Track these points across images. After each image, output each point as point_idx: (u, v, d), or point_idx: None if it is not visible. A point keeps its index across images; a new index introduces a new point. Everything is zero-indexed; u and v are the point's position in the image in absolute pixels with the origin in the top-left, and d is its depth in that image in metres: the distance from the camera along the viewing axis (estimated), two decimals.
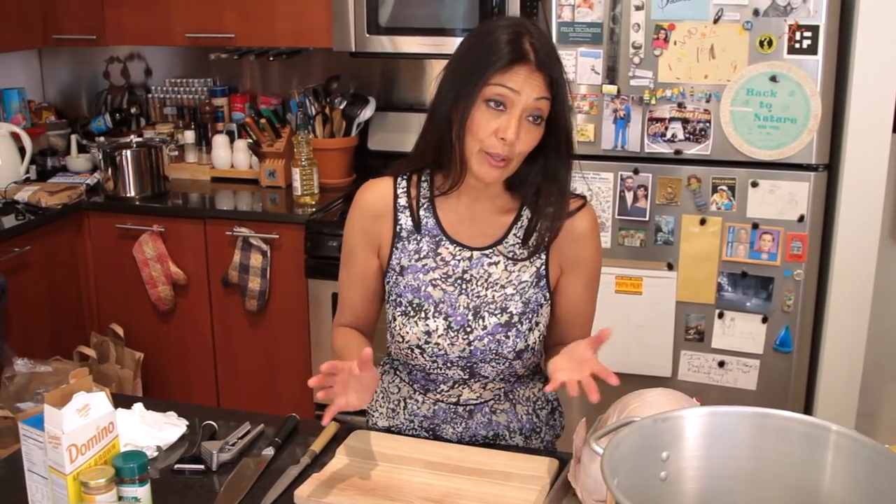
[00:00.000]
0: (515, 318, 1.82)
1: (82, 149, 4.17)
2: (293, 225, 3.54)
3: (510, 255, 1.84)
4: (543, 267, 1.85)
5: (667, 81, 2.88)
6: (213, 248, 3.68)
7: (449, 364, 1.85)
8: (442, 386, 1.90)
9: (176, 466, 1.80)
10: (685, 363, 3.06)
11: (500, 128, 1.67)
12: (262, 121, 3.89)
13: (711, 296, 2.99)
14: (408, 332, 1.84)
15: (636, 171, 2.97)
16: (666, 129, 2.91)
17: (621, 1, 2.87)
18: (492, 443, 1.93)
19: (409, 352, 1.87)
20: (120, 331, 3.74)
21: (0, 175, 3.86)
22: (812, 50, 2.75)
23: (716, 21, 2.80)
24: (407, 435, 1.93)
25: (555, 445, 2.04)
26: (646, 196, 2.97)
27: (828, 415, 3.01)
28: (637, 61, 2.88)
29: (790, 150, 2.83)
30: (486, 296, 1.83)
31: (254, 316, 3.68)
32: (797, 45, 2.76)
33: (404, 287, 1.84)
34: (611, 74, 2.92)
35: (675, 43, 2.84)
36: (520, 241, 1.84)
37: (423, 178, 1.87)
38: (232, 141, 4.05)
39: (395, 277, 1.86)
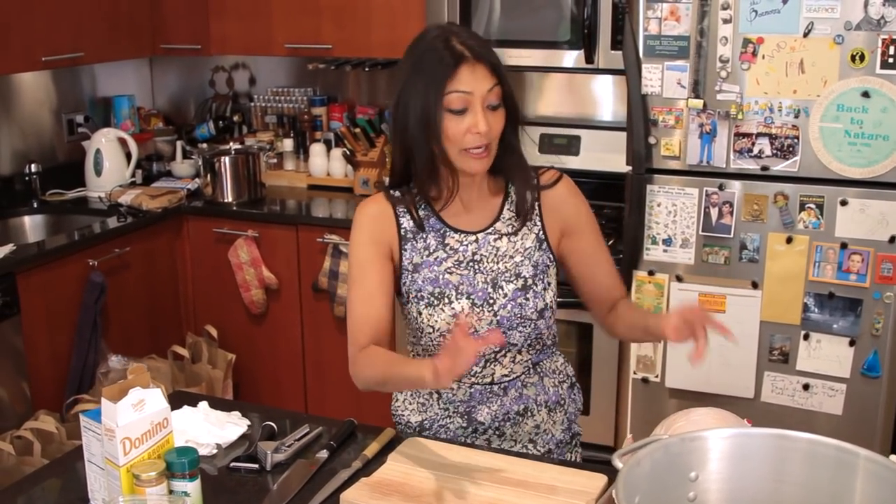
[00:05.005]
0: (530, 281, 1.97)
1: (187, 155, 4.31)
2: None
3: (509, 229, 1.99)
4: (541, 231, 2.01)
5: (754, 96, 2.82)
6: (304, 253, 3.76)
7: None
8: (475, 368, 1.99)
9: (232, 464, 1.86)
10: (768, 384, 2.98)
11: (470, 125, 1.84)
12: (357, 130, 3.95)
13: (797, 316, 2.91)
14: (436, 321, 1.95)
15: (721, 187, 2.91)
16: (753, 144, 2.85)
17: (709, 14, 2.82)
18: (521, 416, 2.02)
19: (441, 340, 1.97)
20: (214, 332, 3.84)
21: (107, 178, 4.03)
22: None
23: (806, 35, 2.73)
24: (441, 423, 2.02)
25: (577, 421, 2.15)
26: (731, 212, 2.92)
27: None
28: (724, 75, 2.83)
29: (882, 168, 2.74)
30: (498, 268, 1.97)
31: (342, 322, 3.73)
32: (891, 60, 2.67)
33: (422, 282, 1.96)
34: (697, 88, 2.87)
35: (763, 57, 2.78)
36: (514, 213, 2.00)
37: (412, 186, 1.99)
38: (329, 150, 4.13)
39: (409, 276, 1.97)
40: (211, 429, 1.96)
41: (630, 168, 3.01)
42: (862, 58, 2.69)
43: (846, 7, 2.68)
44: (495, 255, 1.97)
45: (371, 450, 1.88)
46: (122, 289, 3.66)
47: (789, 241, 2.88)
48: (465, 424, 2.01)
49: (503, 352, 1.98)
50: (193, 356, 3.77)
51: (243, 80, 4.54)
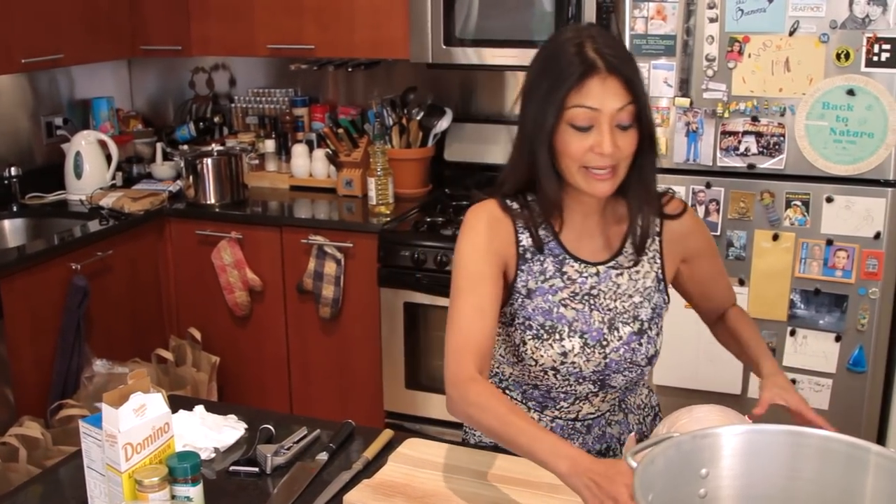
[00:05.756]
0: (646, 325, 1.83)
1: (167, 157, 4.28)
2: (367, 234, 3.58)
3: (630, 263, 1.83)
4: (660, 270, 1.85)
5: (740, 94, 2.85)
6: (288, 255, 3.74)
7: (581, 380, 1.83)
8: (562, 403, 1.87)
9: (231, 468, 1.84)
10: (755, 380, 2.98)
11: (594, 144, 1.64)
12: (340, 131, 3.95)
13: (783, 313, 2.94)
14: (542, 356, 1.80)
15: (708, 185, 2.93)
16: (739, 142, 2.87)
17: (695, 13, 2.84)
18: (601, 456, 1.89)
19: (541, 374, 1.83)
20: (198, 335, 3.82)
21: (87, 181, 3.99)
22: (891, 63, 2.69)
23: (791, 33, 2.75)
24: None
25: None
26: (718, 210, 2.94)
27: None
28: (710, 74, 2.85)
29: (866, 165, 2.77)
30: (616, 307, 1.81)
31: (327, 323, 3.73)
32: (875, 58, 2.70)
33: (533, 310, 1.80)
34: (683, 87, 2.89)
35: (749, 55, 2.81)
36: (635, 247, 1.83)
37: (530, 198, 1.80)
38: (311, 150, 4.11)
39: (520, 300, 1.80)
40: (208, 433, 1.95)
41: None
42: (847, 56, 2.72)
43: (831, 6, 2.71)
44: (615, 292, 1.81)
45: (371, 451, 1.87)
46: (105, 292, 3.63)
47: (776, 238, 2.90)
48: None
49: (602, 391, 1.86)
50: (177, 359, 3.75)
51: (223, 81, 4.51)
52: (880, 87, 2.70)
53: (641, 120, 1.68)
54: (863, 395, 2.92)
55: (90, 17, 3.87)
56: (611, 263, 1.82)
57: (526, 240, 1.79)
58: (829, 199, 2.83)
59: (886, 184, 2.78)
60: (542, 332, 1.79)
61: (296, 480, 1.79)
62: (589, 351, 1.79)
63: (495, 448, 1.91)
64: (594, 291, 1.80)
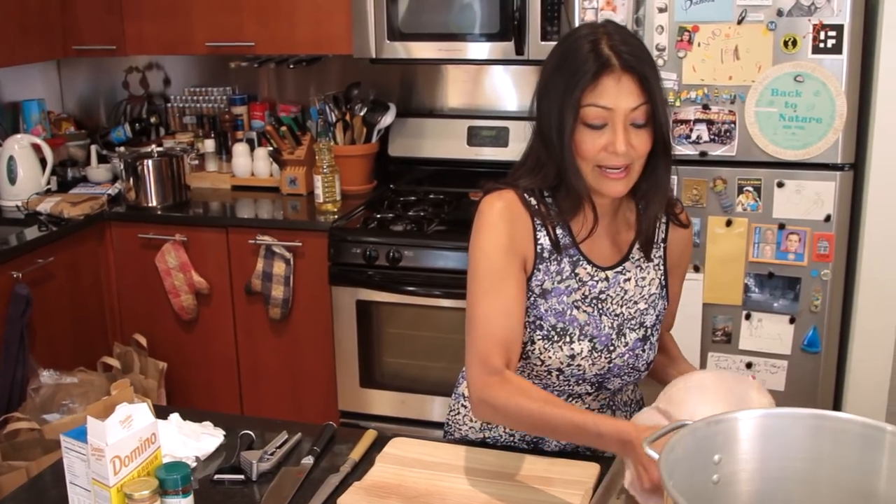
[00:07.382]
0: (649, 332, 1.83)
1: (102, 159, 4.18)
2: (316, 232, 3.54)
3: (637, 269, 1.82)
4: (663, 277, 1.86)
5: (691, 83, 2.88)
6: (235, 256, 3.68)
7: (580, 381, 1.83)
8: None
9: (216, 477, 1.80)
10: (712, 365, 3.05)
11: (608, 143, 1.62)
12: (283, 128, 3.89)
13: (738, 297, 2.98)
14: (550, 357, 1.78)
15: None
16: (691, 130, 2.91)
17: (644, 3, 2.86)
18: (591, 454, 1.85)
19: (544, 373, 1.82)
20: (143, 341, 3.74)
21: (22, 187, 3.87)
22: (837, 49, 2.75)
23: (739, 22, 2.79)
24: (502, 446, 1.88)
25: None
26: None
27: (856, 414, 3.00)
28: (661, 63, 2.88)
29: (816, 149, 2.83)
30: (623, 313, 1.81)
31: (277, 324, 3.68)
32: (821, 45, 2.75)
33: (546, 311, 1.78)
34: None
35: (698, 44, 2.84)
36: (642, 248, 1.82)
37: (546, 195, 1.78)
38: (252, 149, 4.05)
39: (533, 299, 1.78)
40: (187, 441, 1.90)
41: None
42: (794, 43, 2.77)
43: None
44: (622, 297, 1.80)
45: (357, 452, 1.85)
46: (48, 301, 3.52)
47: (729, 224, 2.94)
48: (530, 451, 1.86)
49: (598, 391, 1.86)
50: (124, 367, 3.66)
51: (157, 81, 4.41)
52: (827, 73, 2.76)
53: (656, 121, 1.64)
54: (817, 374, 2.98)
55: (20, 17, 3.74)
56: (619, 269, 1.81)
57: (544, 238, 1.76)
58: (780, 184, 2.88)
59: (835, 167, 2.84)
60: (552, 333, 1.78)
61: (284, 486, 1.76)
62: (596, 355, 1.79)
63: (482, 444, 1.92)
64: (602, 296, 1.80)
